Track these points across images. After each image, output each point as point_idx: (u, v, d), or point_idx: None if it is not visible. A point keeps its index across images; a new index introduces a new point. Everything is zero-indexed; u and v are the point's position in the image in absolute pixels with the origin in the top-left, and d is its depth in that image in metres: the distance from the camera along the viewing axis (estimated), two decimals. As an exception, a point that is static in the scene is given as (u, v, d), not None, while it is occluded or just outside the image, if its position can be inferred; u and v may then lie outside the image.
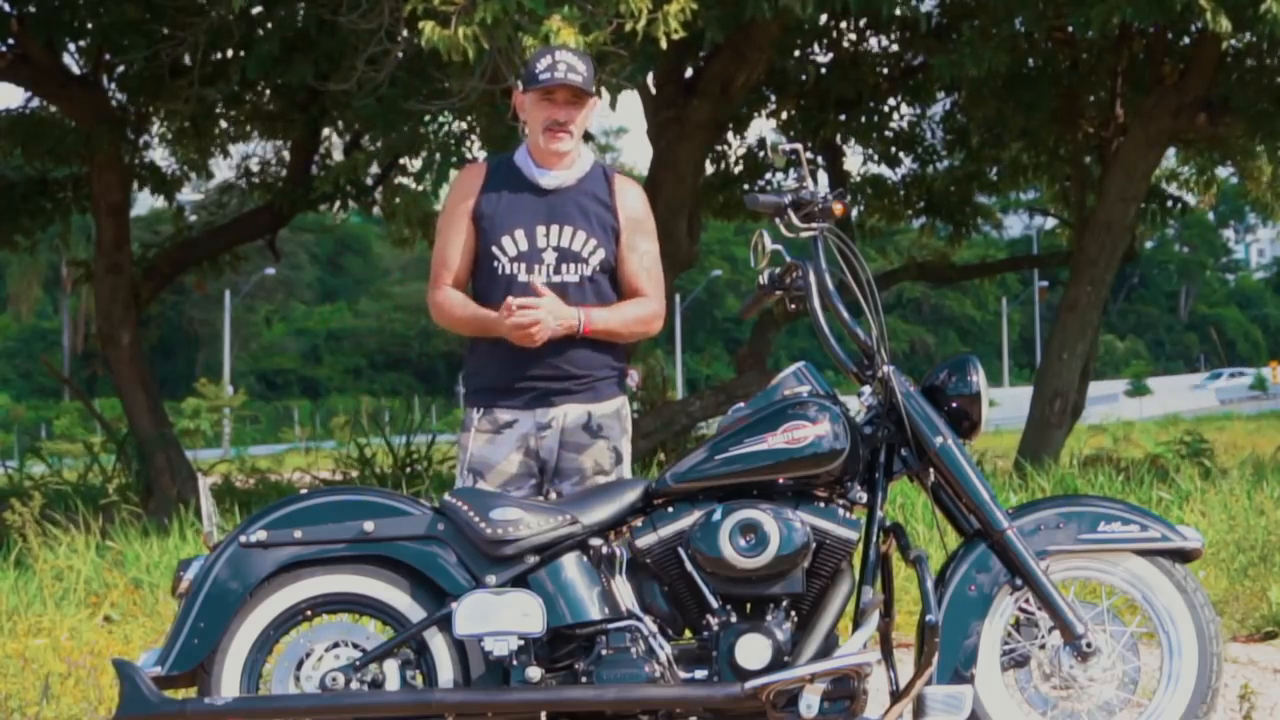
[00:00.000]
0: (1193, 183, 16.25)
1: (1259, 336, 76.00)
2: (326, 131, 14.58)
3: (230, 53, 12.07)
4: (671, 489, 4.28)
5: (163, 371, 40.08)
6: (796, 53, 13.96)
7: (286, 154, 15.46)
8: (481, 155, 10.55)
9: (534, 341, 4.48)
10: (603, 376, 4.64)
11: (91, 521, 8.71)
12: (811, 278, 4.37)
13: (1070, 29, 12.06)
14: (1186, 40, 12.73)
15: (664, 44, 8.00)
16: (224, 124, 14.45)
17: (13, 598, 7.37)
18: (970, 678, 4.20)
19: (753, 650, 4.14)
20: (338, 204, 15.18)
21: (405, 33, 8.68)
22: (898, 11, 10.56)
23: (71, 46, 13.17)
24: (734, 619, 4.19)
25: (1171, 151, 15.20)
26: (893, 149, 15.67)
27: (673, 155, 12.31)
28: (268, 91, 13.35)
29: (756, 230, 4.51)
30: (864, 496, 4.29)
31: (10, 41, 12.56)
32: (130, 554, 8.31)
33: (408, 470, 13.05)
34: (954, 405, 4.34)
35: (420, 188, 11.33)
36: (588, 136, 6.10)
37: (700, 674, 4.19)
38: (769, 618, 4.19)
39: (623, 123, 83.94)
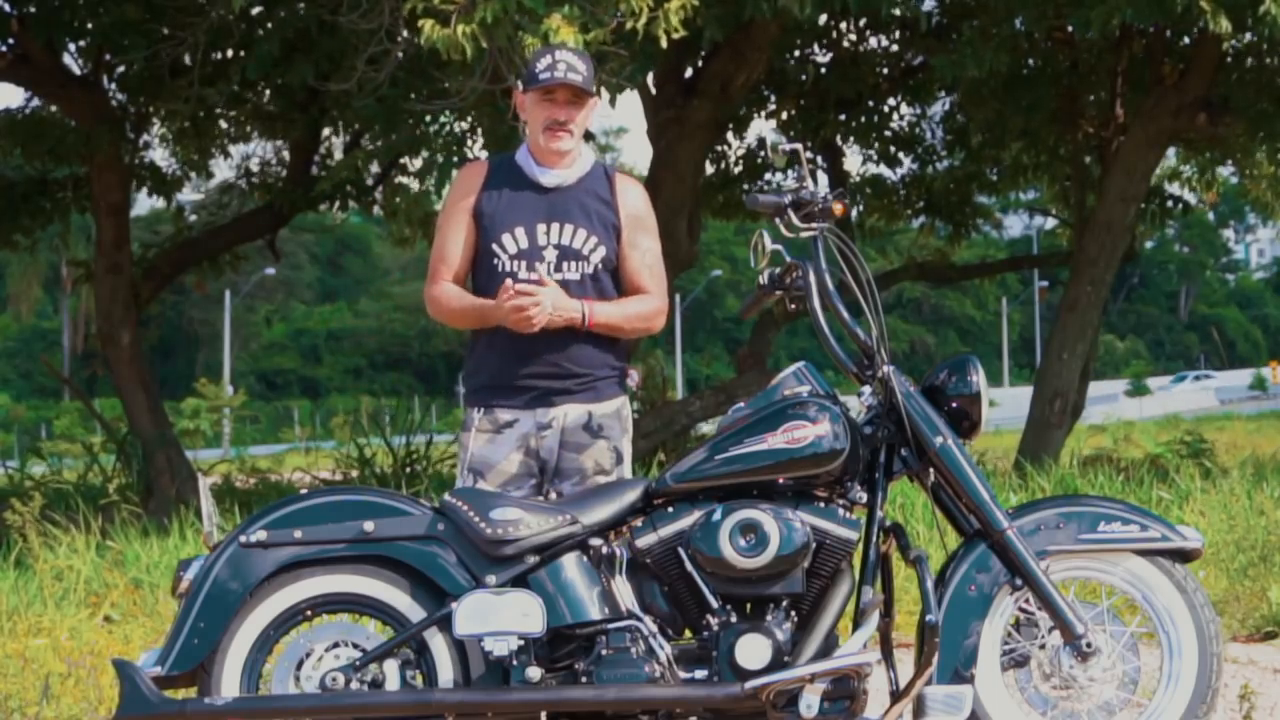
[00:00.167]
0: (1194, 181, 16.26)
1: (1259, 336, 76.02)
2: (326, 131, 14.57)
3: (230, 53, 12.07)
4: (671, 489, 4.28)
5: (163, 371, 40.12)
6: (796, 52, 13.97)
7: (286, 154, 15.46)
8: (483, 155, 10.55)
9: (531, 326, 4.46)
10: (603, 376, 4.64)
11: (91, 521, 8.72)
12: (811, 278, 4.37)
13: (1070, 29, 12.06)
14: (1186, 40, 12.73)
15: (664, 43, 7.99)
16: (224, 124, 14.45)
17: (13, 598, 7.37)
18: (970, 678, 4.20)
19: (753, 650, 4.14)
20: (338, 204, 15.18)
21: (405, 32, 8.68)
22: (897, 11, 10.57)
23: (71, 46, 13.17)
24: (734, 619, 4.19)
25: (1172, 151, 15.19)
26: (892, 149, 15.67)
27: (673, 155, 12.31)
28: (268, 91, 13.35)
29: (756, 230, 4.51)
30: (864, 496, 4.29)
31: (10, 41, 12.56)
32: (130, 554, 8.31)
33: (408, 470, 13.04)
34: (954, 405, 4.34)
35: (424, 187, 11.33)
36: (588, 136, 6.10)
37: (700, 674, 4.19)
38: (769, 618, 4.19)
39: (623, 123, 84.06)
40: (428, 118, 10.37)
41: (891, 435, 4.32)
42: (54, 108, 13.64)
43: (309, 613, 4.27)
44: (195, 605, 4.19)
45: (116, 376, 13.69)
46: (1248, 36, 11.15)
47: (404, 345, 60.89)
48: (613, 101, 9.11)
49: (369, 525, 4.25)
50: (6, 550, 8.47)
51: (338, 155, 14.94)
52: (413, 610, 4.23)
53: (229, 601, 4.19)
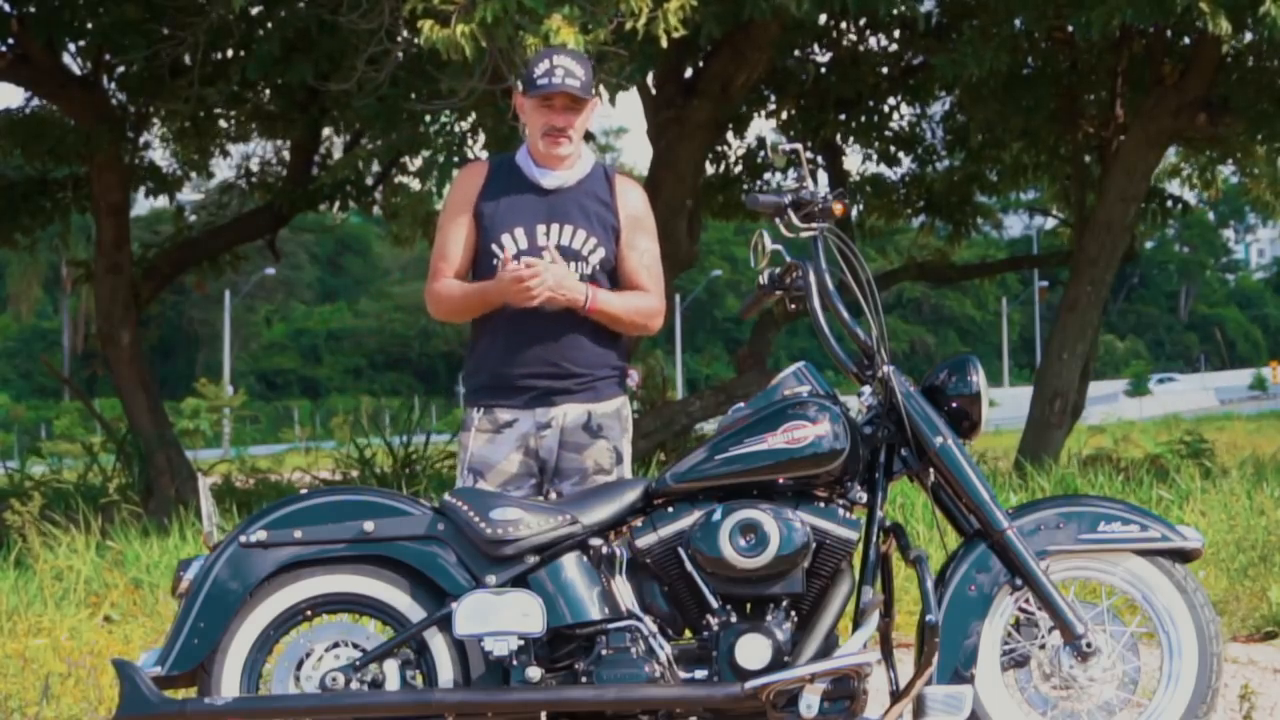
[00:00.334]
0: (1194, 179, 16.26)
1: (1259, 336, 76.02)
2: (326, 131, 14.58)
3: (230, 53, 12.07)
4: (671, 489, 4.28)
5: (163, 371, 40.12)
6: (796, 52, 13.97)
7: (286, 154, 15.46)
8: (483, 155, 10.55)
9: (532, 298, 4.45)
10: (603, 376, 4.64)
11: (91, 521, 8.72)
12: (811, 278, 4.37)
13: (1070, 29, 12.06)
14: (1186, 40, 12.73)
15: (664, 42, 7.99)
16: (224, 124, 14.45)
17: (13, 598, 7.37)
18: (970, 678, 4.20)
19: (753, 650, 4.14)
20: (338, 204, 15.19)
21: (405, 33, 8.68)
22: (896, 11, 10.56)
23: (71, 46, 13.17)
24: (734, 619, 4.19)
25: (1172, 149, 15.19)
26: (892, 149, 15.67)
27: (673, 155, 12.31)
28: (268, 91, 13.35)
29: (756, 230, 4.51)
30: (864, 496, 4.29)
31: (10, 41, 12.56)
32: (130, 554, 8.31)
33: (407, 470, 13.05)
34: (954, 405, 4.34)
35: (425, 188, 11.33)
36: (588, 136, 6.10)
37: (700, 674, 4.19)
38: (769, 618, 4.19)
39: (623, 123, 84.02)
40: (428, 118, 10.37)
41: (891, 435, 4.32)
42: (54, 108, 13.64)
43: (309, 613, 4.27)
44: (195, 605, 4.19)
45: (116, 376, 13.69)
46: (1248, 36, 11.15)
47: (404, 345, 60.89)
48: (612, 101, 9.11)
49: (369, 525, 4.25)
50: (6, 550, 8.47)
51: (338, 155, 14.95)
52: (413, 610, 4.23)
53: (229, 601, 4.20)
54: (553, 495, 4.58)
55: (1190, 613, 4.28)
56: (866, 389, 4.38)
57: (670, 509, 4.27)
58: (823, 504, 4.26)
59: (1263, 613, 6.82)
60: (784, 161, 4.46)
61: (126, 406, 13.67)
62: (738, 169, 15.54)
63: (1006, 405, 28.77)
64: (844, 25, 13.82)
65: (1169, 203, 15.65)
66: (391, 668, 4.20)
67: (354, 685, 4.18)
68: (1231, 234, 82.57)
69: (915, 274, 17.64)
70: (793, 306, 4.50)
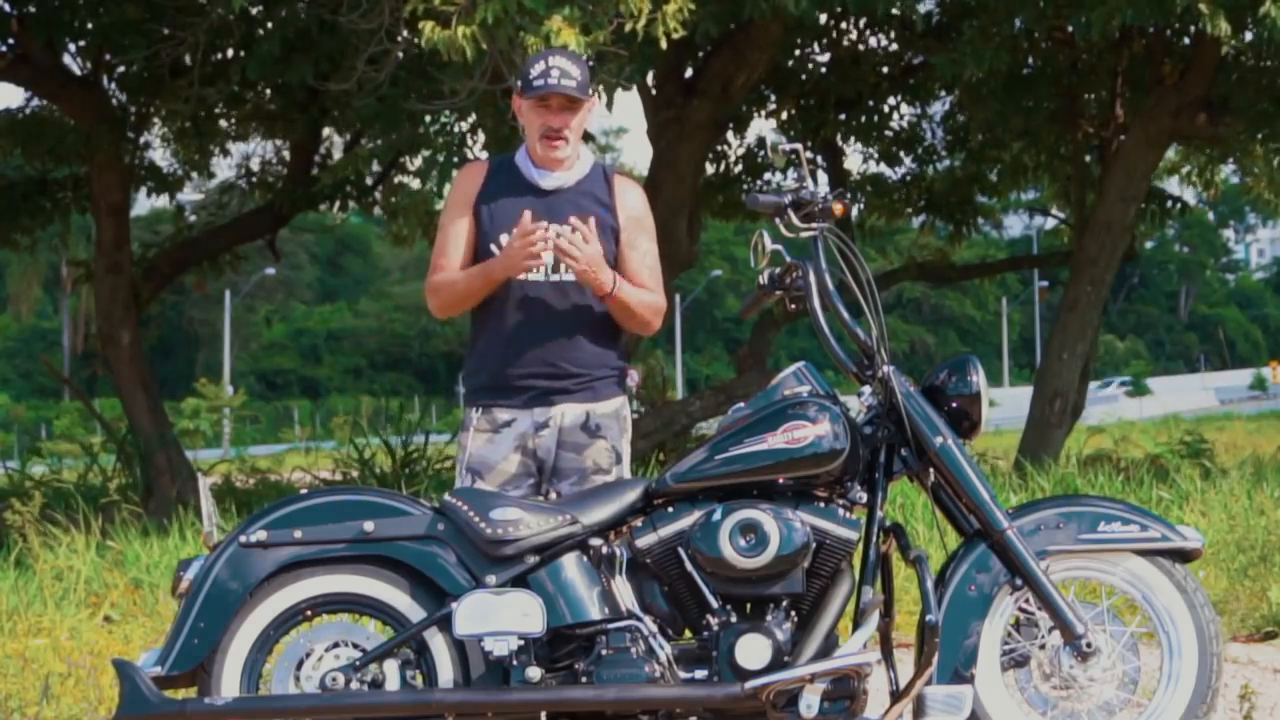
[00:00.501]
0: (1194, 176, 16.26)
1: (1259, 336, 76.02)
2: (327, 131, 14.58)
3: (230, 53, 12.08)
4: (671, 489, 4.28)
5: (163, 371, 40.09)
6: (796, 52, 13.97)
7: (287, 154, 15.46)
8: (483, 155, 10.56)
9: (538, 258, 4.44)
10: (601, 376, 4.64)
11: (91, 521, 8.72)
12: (811, 278, 4.37)
13: (1070, 29, 12.06)
14: (1186, 40, 12.73)
15: (664, 44, 8.00)
16: (224, 124, 14.45)
17: (13, 598, 7.37)
18: (970, 678, 4.20)
19: (753, 650, 4.14)
20: (338, 204, 15.19)
21: (405, 33, 8.69)
22: (895, 10, 10.56)
23: (71, 46, 13.17)
24: (734, 619, 4.19)
25: (1172, 148, 15.19)
26: (893, 148, 15.67)
27: (673, 155, 12.31)
28: (268, 91, 13.36)
29: (756, 230, 4.51)
30: (864, 496, 4.29)
31: (10, 41, 12.56)
32: (130, 554, 8.31)
33: (407, 470, 13.05)
34: (954, 405, 4.34)
35: (425, 188, 11.34)
36: (588, 137, 6.10)
37: (700, 674, 4.19)
38: (769, 618, 4.19)
39: (623, 123, 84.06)
40: (428, 118, 10.37)
41: (891, 435, 4.32)
42: (54, 108, 13.64)
43: (309, 613, 4.27)
44: (195, 605, 4.19)
45: (116, 376, 13.69)
46: (1247, 36, 11.15)
47: (404, 345, 60.89)
48: (609, 105, 9.11)
49: (369, 525, 4.25)
50: (6, 550, 8.47)
51: (338, 155, 14.95)
52: (413, 610, 4.23)
53: (229, 601, 4.19)
54: (552, 495, 4.58)
55: (1190, 613, 4.28)
56: (866, 389, 4.38)
57: (670, 509, 4.27)
58: (823, 504, 4.26)
59: (1263, 613, 6.82)
60: (784, 161, 4.46)
61: (126, 406, 13.67)
62: (738, 169, 15.54)
63: (1006, 405, 28.79)
64: (844, 25, 13.83)
65: (1169, 203, 15.65)
66: (391, 668, 4.20)
67: (354, 685, 4.18)
68: (1231, 234, 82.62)
69: (915, 274, 17.63)
70: (793, 306, 4.50)
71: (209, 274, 16.00)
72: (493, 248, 4.59)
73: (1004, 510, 4.29)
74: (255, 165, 15.68)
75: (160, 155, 15.39)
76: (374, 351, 61.27)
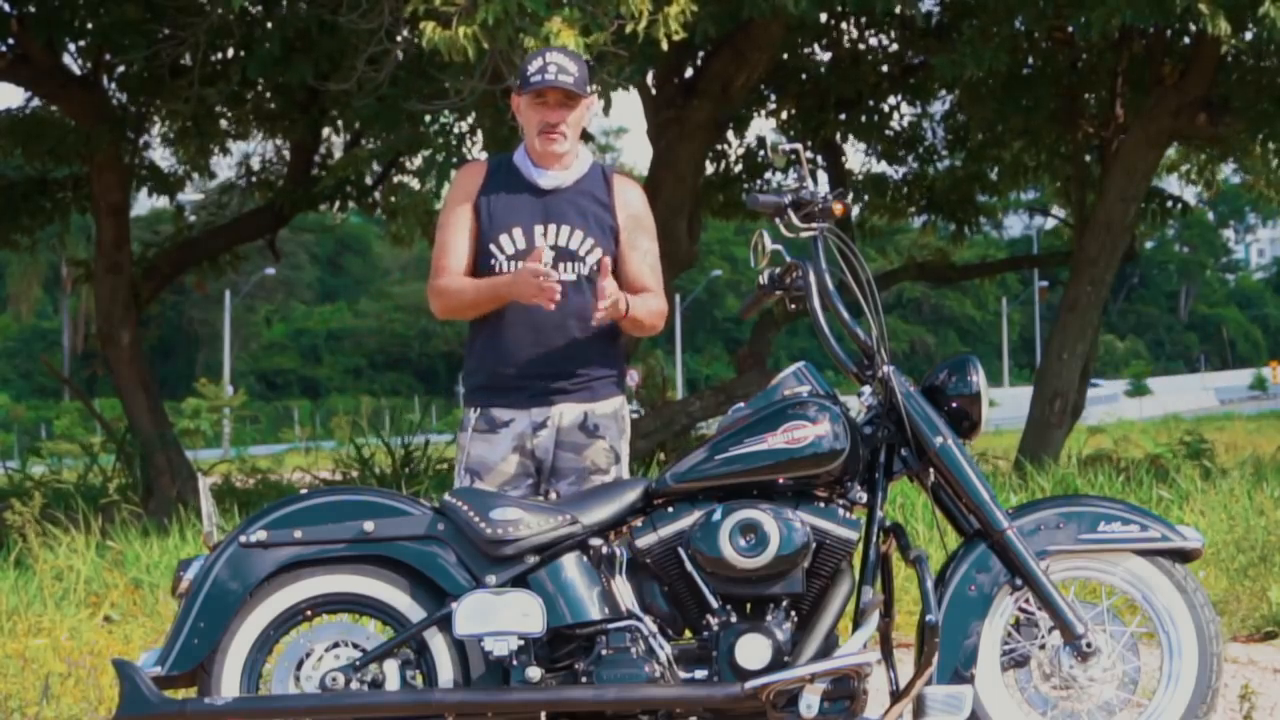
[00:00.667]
0: (1194, 175, 16.26)
1: (1259, 336, 76.02)
2: (327, 131, 14.57)
3: (230, 53, 12.08)
4: (671, 489, 4.28)
5: (163, 371, 40.08)
6: (796, 51, 13.97)
7: (287, 154, 15.46)
8: (483, 155, 10.55)
9: (549, 300, 4.39)
10: (600, 376, 4.63)
11: (91, 521, 8.72)
12: (811, 278, 4.37)
13: (1070, 29, 12.06)
14: (1186, 40, 12.73)
15: (664, 45, 8.00)
16: (224, 124, 14.45)
17: (13, 598, 7.37)
18: (970, 678, 4.20)
19: (753, 650, 4.14)
20: (338, 204, 15.19)
21: (405, 33, 8.69)
22: (896, 10, 10.56)
23: (71, 46, 13.17)
24: (734, 619, 4.19)
25: (1172, 147, 15.19)
26: (893, 148, 15.67)
27: (673, 155, 12.31)
28: (268, 91, 13.36)
29: (756, 230, 4.51)
30: (864, 496, 4.29)
31: (10, 41, 12.56)
32: (130, 554, 8.31)
33: (407, 470, 13.05)
34: (954, 405, 4.34)
35: (425, 188, 11.34)
36: (587, 137, 6.10)
37: (700, 674, 4.19)
38: (769, 618, 4.19)
39: (623, 123, 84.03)
40: (427, 118, 10.37)
41: (891, 435, 4.32)
42: (54, 108, 13.64)
43: (309, 613, 4.27)
44: (195, 605, 4.19)
45: (116, 376, 13.69)
46: (1247, 36, 11.15)
47: (404, 345, 60.88)
48: (606, 108, 9.12)
49: (369, 525, 4.25)
50: (6, 550, 8.47)
51: (338, 155, 14.95)
52: (413, 610, 4.23)
53: (229, 601, 4.19)
54: (551, 495, 4.58)
55: (1190, 613, 4.28)
56: (866, 389, 4.38)
57: (670, 509, 4.27)
58: (823, 504, 4.26)
59: (1263, 613, 6.82)
60: (784, 161, 4.45)
61: (126, 406, 13.67)
62: (738, 169, 15.54)
63: (1006, 405, 28.80)
64: (844, 25, 13.83)
65: (1169, 202, 15.66)
66: (391, 668, 4.20)
67: (354, 685, 4.18)
68: (1231, 234, 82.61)
69: (915, 274, 17.63)
70: (793, 306, 4.50)
71: (209, 274, 16.00)
72: (492, 247, 4.59)
73: (1004, 510, 4.29)
74: (255, 165, 15.69)
75: (160, 155, 15.41)
76: (374, 351, 61.27)
